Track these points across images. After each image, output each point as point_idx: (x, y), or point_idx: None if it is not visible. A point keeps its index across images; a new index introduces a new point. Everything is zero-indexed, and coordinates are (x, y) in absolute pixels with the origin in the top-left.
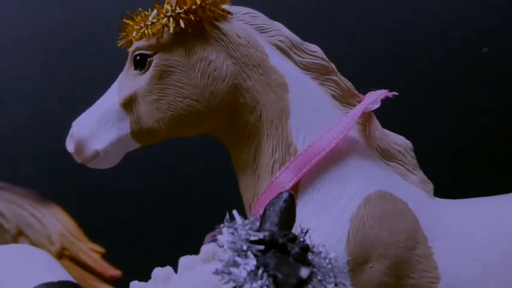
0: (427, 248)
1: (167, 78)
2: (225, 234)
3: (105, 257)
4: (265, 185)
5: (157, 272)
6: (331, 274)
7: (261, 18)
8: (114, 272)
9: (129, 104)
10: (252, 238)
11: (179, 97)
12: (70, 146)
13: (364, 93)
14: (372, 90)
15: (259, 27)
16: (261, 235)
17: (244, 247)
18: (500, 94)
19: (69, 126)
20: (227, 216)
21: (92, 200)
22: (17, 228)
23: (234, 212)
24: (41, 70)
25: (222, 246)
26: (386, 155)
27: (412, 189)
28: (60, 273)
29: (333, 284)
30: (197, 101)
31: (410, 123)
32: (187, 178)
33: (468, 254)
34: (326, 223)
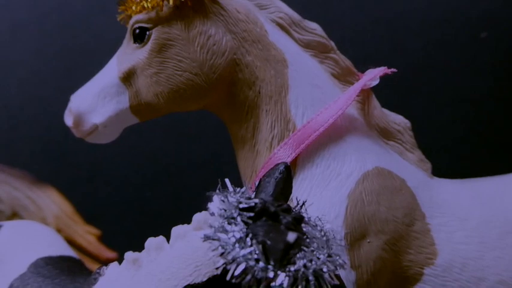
0: (424, 224)
1: (166, 52)
2: (215, 202)
3: (101, 239)
4: (263, 161)
5: (150, 241)
6: (326, 245)
7: None
8: (109, 254)
9: (128, 78)
10: (242, 205)
11: (178, 71)
12: (68, 120)
13: (363, 73)
14: (371, 69)
15: (259, 3)
16: (251, 203)
17: (235, 214)
18: (498, 79)
19: (62, 110)
20: (219, 184)
21: (88, 182)
22: (11, 210)
23: (226, 180)
24: (36, 54)
25: (213, 213)
26: (385, 134)
27: (410, 167)
28: (62, 248)
29: (326, 255)
30: (196, 75)
31: (408, 108)
32: (184, 160)
33: (465, 231)
34: (324, 199)
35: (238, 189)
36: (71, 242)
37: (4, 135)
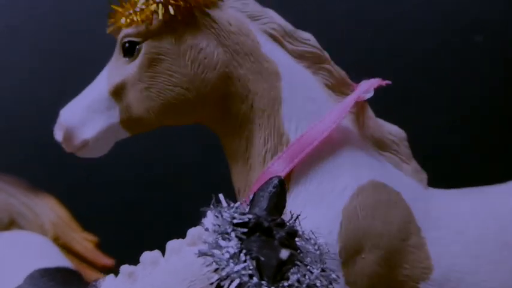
0: (420, 238)
1: (157, 66)
2: (209, 217)
3: (98, 246)
4: (257, 175)
5: (146, 255)
6: (319, 259)
7: (253, 6)
8: (107, 261)
9: (118, 92)
10: (236, 221)
11: (169, 85)
12: (58, 135)
13: (358, 83)
14: (365, 80)
15: (251, 14)
16: (245, 218)
17: (228, 230)
18: (493, 82)
19: (58, 115)
20: (213, 199)
21: (85, 189)
22: (9, 218)
23: (220, 196)
24: (32, 58)
25: (207, 229)
26: (380, 145)
27: (405, 179)
28: (58, 259)
29: (319, 269)
30: (187, 90)
31: (403, 114)
32: (180, 167)
33: (461, 244)
34: (318, 214)
35: (232, 204)
36: (69, 249)
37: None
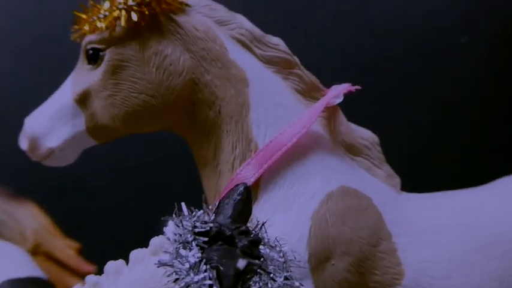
0: (390, 244)
1: (121, 73)
2: (170, 226)
3: (81, 252)
4: (226, 182)
5: (110, 265)
6: (283, 267)
7: (221, 11)
8: (89, 267)
9: (83, 100)
10: (198, 230)
11: (134, 92)
12: (23, 144)
13: (329, 87)
14: (336, 84)
15: (219, 19)
16: (207, 227)
17: (189, 239)
18: (478, 83)
19: None
20: (175, 208)
21: (67, 196)
22: None
23: (182, 204)
24: (15, 64)
25: (168, 238)
26: (352, 150)
27: (377, 184)
28: (30, 268)
29: (283, 278)
30: (152, 97)
31: (387, 113)
32: (165, 172)
33: (433, 248)
34: (287, 221)
35: (195, 212)
36: (50, 256)
37: None
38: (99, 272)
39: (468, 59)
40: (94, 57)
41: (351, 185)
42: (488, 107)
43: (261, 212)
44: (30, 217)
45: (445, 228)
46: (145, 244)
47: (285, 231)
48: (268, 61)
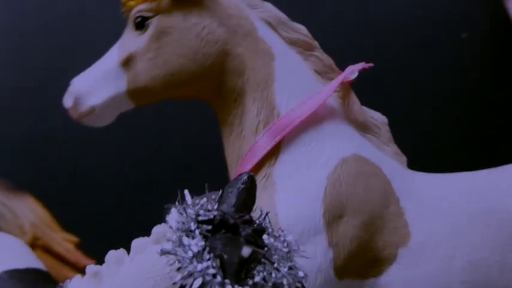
0: (398, 207)
1: (165, 38)
2: (173, 214)
3: (79, 246)
4: (248, 146)
5: (111, 255)
6: (287, 257)
7: None
8: (87, 261)
9: (128, 62)
10: (201, 218)
11: (174, 56)
12: (68, 101)
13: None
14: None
15: (250, 3)
16: (210, 215)
17: (193, 227)
18: (478, 79)
19: (42, 115)
20: (179, 196)
21: (66, 189)
22: None
23: (185, 192)
24: (16, 58)
25: (171, 226)
26: (363, 127)
27: (386, 158)
28: (29, 260)
29: (287, 268)
30: (190, 61)
31: (388, 108)
32: (165, 167)
33: (437, 214)
34: (305, 180)
35: (198, 200)
36: (49, 250)
37: None
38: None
39: (469, 55)
40: (141, 25)
41: (363, 154)
42: (488, 102)
43: (282, 171)
44: (29, 211)
45: (447, 197)
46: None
47: (303, 188)
48: (291, 42)
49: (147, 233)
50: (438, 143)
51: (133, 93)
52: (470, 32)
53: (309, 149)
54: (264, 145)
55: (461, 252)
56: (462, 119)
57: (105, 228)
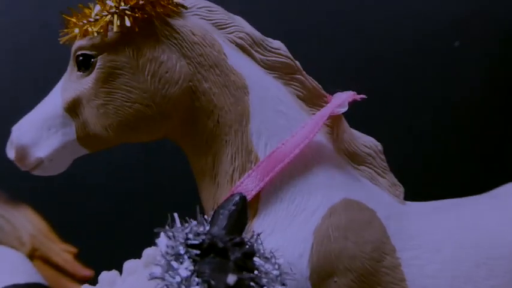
0: (394, 259)
1: (114, 82)
2: (162, 238)
3: (78, 257)
4: (224, 194)
5: (103, 276)
6: (277, 280)
7: (219, 13)
8: (86, 272)
9: (73, 108)
10: (190, 242)
11: (127, 102)
12: (10, 153)
13: (332, 94)
14: (340, 91)
15: (217, 23)
16: (199, 239)
17: (182, 251)
18: (471, 88)
19: None
20: (169, 219)
21: (64, 199)
22: None
23: (175, 215)
24: (12, 66)
25: (160, 250)
26: (355, 159)
27: (381, 195)
28: (29, 274)
29: None
30: (148, 106)
31: (382, 119)
32: (163, 177)
33: (437, 263)
34: (288, 236)
35: (188, 223)
36: (47, 261)
37: None
38: (96, 276)
39: (462, 63)
40: (85, 64)
41: (354, 197)
42: (482, 110)
43: (262, 226)
44: (27, 221)
45: (447, 243)
46: (142, 248)
47: (286, 248)
48: (268, 66)
49: (145, 243)
50: (432, 152)
51: (84, 141)
52: (463, 41)
53: (293, 199)
54: (246, 192)
55: None
56: (456, 128)
57: (104, 239)
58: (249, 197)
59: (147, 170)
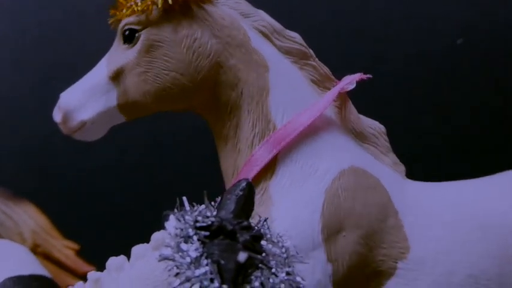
0: (397, 220)
1: (154, 52)
2: (171, 221)
3: (80, 253)
4: (245, 159)
5: (111, 261)
6: (285, 263)
7: (245, 5)
8: (87, 268)
9: (117, 77)
10: (199, 224)
11: (165, 70)
12: (57, 116)
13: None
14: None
15: (243, 12)
16: (208, 221)
17: (191, 233)
18: (474, 85)
19: (42, 123)
20: (177, 202)
21: (66, 196)
22: None
23: (184, 199)
24: (14, 67)
25: (170, 233)
26: (361, 137)
27: (384, 168)
28: (33, 266)
29: (284, 273)
30: (182, 75)
31: (386, 116)
32: (165, 174)
33: (437, 227)
34: (302, 194)
35: (196, 207)
36: (49, 257)
37: None
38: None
39: (464, 61)
40: (130, 38)
41: (361, 165)
42: (484, 108)
43: (279, 185)
44: (29, 218)
45: (446, 210)
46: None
47: (301, 203)
48: (286, 51)
49: (146, 239)
50: (435, 151)
51: (124, 107)
52: (465, 38)
53: (306, 162)
54: (260, 158)
55: (461, 266)
56: (459, 126)
57: (105, 235)
58: (267, 160)
59: (148, 168)
